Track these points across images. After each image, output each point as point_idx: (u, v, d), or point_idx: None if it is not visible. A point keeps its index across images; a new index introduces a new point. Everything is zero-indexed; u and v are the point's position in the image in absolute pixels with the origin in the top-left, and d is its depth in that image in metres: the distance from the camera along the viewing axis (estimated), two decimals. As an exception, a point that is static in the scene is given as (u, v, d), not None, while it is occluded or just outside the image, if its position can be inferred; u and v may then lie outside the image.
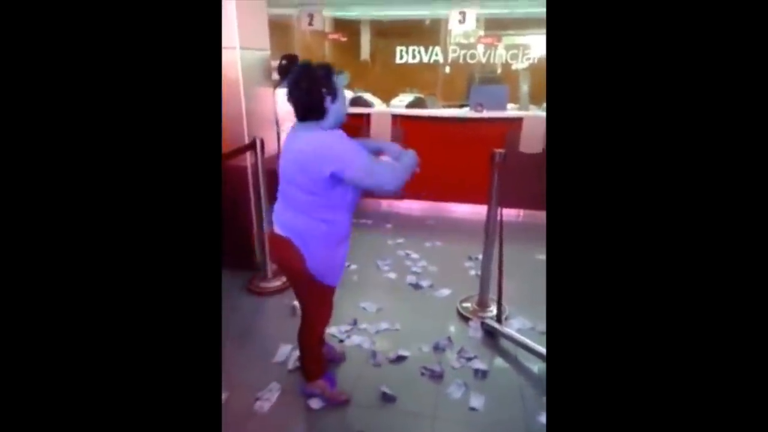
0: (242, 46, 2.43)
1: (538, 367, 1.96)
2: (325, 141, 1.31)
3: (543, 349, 1.95)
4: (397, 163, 1.47)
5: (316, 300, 1.58)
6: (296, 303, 2.03)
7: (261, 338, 2.15)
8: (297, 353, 2.00)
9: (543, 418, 1.67)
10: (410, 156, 1.52)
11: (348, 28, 6.18)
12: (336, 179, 1.32)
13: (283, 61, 1.40)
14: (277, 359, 2.00)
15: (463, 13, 4.27)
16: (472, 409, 1.72)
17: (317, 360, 1.75)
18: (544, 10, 4.96)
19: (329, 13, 5.51)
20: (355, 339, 2.14)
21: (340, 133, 1.37)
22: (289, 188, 1.39)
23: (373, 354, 2.03)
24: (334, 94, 1.33)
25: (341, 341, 2.13)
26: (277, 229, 1.46)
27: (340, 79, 1.37)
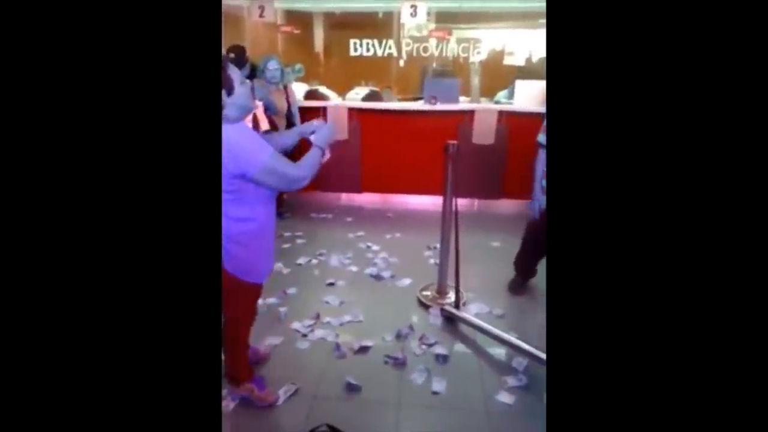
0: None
1: (495, 349, 2.06)
2: (228, 137, 1.21)
3: (500, 332, 2.04)
4: (307, 156, 1.42)
5: (237, 300, 1.47)
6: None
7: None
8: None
9: (501, 397, 1.76)
10: (316, 146, 1.44)
11: (300, 20, 6.07)
12: (244, 177, 1.26)
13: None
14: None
15: (414, 7, 4.31)
16: (435, 393, 1.79)
17: (243, 364, 1.69)
18: (493, 4, 5.10)
19: (281, 5, 5.40)
20: (319, 333, 2.16)
21: (244, 127, 1.31)
22: None
23: (337, 346, 2.05)
24: (229, 88, 1.27)
25: (304, 336, 2.14)
26: None
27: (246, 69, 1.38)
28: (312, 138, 1.48)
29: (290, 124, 3.34)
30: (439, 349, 2.04)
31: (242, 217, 1.34)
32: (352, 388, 1.80)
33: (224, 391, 1.73)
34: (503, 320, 2.29)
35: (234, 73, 1.31)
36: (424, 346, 2.07)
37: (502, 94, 4.33)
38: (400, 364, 1.95)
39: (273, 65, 3.12)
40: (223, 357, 1.67)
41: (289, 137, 1.59)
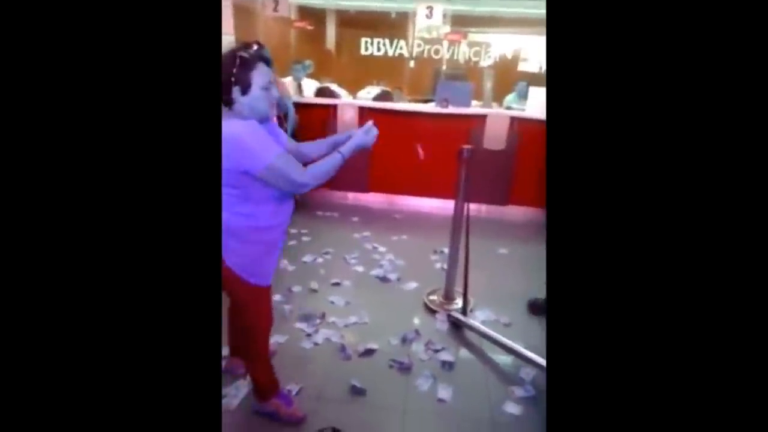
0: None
1: (501, 358, 2.03)
2: (234, 132, 1.19)
3: (507, 341, 2.01)
4: (321, 162, 1.36)
5: (248, 300, 1.45)
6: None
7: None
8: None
9: (508, 408, 1.73)
10: (339, 152, 1.37)
11: (313, 16, 6.06)
12: (248, 174, 1.23)
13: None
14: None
15: (430, 8, 4.29)
16: (441, 400, 1.76)
17: (267, 376, 1.59)
18: (511, 9, 5.08)
19: (294, 0, 5.39)
20: (324, 333, 2.14)
21: (254, 124, 1.26)
22: None
23: (342, 348, 2.03)
24: (245, 87, 1.24)
25: (309, 335, 2.11)
26: None
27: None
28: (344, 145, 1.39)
29: (278, 117, 3.23)
30: (445, 356, 2.01)
31: (245, 213, 1.30)
32: (356, 391, 1.77)
33: (233, 388, 1.71)
34: (510, 329, 2.26)
35: (259, 74, 1.24)
36: (430, 352, 2.04)
37: (510, 98, 4.31)
38: (405, 368, 1.92)
39: None
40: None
41: (317, 147, 1.52)
